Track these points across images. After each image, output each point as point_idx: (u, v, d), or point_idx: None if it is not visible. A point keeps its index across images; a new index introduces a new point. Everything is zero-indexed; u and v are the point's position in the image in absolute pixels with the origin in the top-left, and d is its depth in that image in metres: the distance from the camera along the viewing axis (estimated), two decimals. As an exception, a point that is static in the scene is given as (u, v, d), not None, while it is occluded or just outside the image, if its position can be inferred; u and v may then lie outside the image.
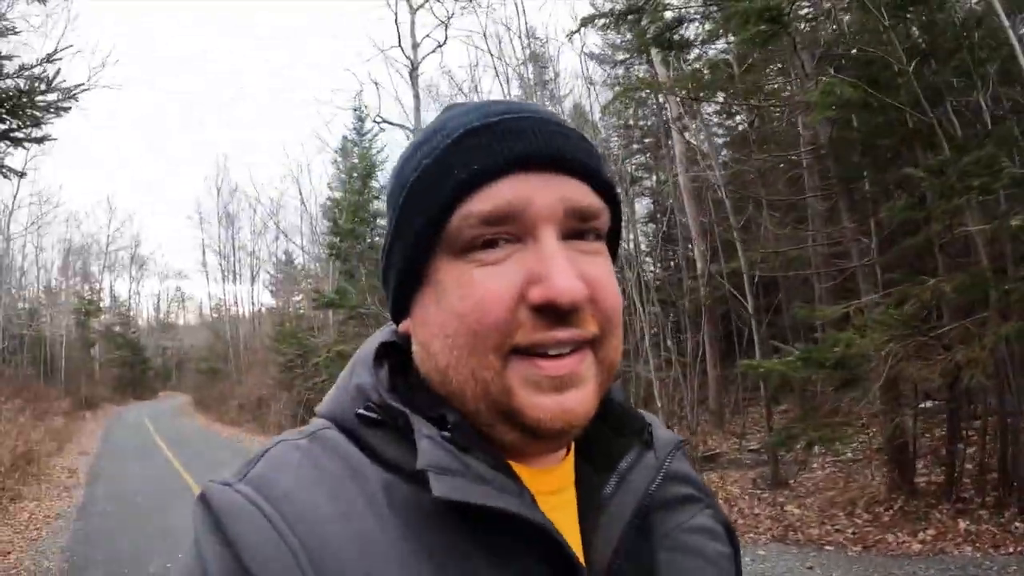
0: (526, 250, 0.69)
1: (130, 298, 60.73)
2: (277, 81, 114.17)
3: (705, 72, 10.86)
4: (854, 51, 7.56)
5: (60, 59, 8.17)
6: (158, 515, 10.81)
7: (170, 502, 11.83)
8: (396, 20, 20.59)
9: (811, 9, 9.20)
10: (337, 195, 21.81)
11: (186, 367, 60.38)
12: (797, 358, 6.55)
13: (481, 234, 0.68)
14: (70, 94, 8.10)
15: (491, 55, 18.11)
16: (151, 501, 12.30)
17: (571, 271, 0.67)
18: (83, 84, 8.17)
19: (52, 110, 8.11)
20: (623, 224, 0.83)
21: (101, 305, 54.01)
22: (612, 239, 0.80)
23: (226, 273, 49.49)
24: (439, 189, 0.70)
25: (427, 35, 18.30)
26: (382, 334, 0.82)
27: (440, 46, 18.38)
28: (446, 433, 0.69)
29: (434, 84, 34.77)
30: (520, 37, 18.97)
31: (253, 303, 48.94)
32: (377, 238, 19.12)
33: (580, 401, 0.70)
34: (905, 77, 6.81)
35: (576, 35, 10.67)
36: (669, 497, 0.83)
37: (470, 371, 0.69)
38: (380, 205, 20.43)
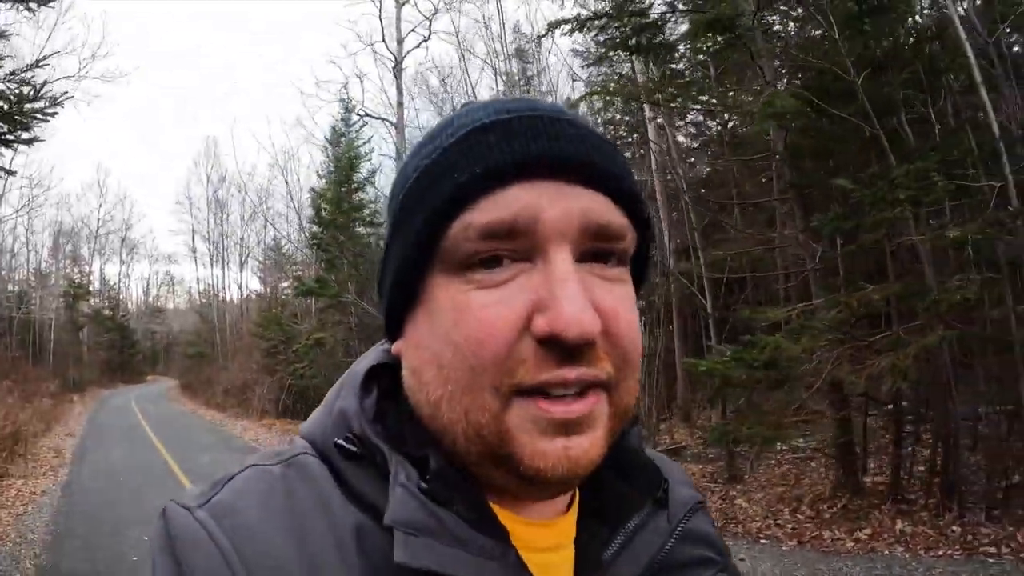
0: (533, 271, 0.60)
1: (119, 282, 60.59)
2: (271, 76, 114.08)
3: (683, 77, 11.10)
4: (806, 61, 7.76)
5: (47, 64, 8.61)
6: (139, 493, 11.22)
7: (151, 481, 12.33)
8: (380, 15, 20.76)
9: (769, 20, 9.43)
10: (322, 184, 22.02)
11: (174, 351, 60.64)
12: (730, 358, 6.80)
13: (480, 249, 0.59)
14: (56, 101, 8.53)
15: (469, 53, 18.27)
16: (133, 480, 12.64)
17: (582, 299, 0.58)
18: (67, 92, 8.70)
19: (39, 116, 8.52)
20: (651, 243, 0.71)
21: (90, 288, 54.09)
22: (638, 265, 0.69)
23: (215, 258, 49.63)
24: (436, 193, 0.61)
25: (412, 29, 18.43)
26: (375, 353, 0.75)
27: (425, 40, 18.55)
28: (423, 484, 0.61)
29: (422, 77, 34.94)
30: (502, 35, 19.09)
31: (241, 289, 49.16)
32: (360, 229, 19.32)
33: (587, 449, 0.61)
34: (856, 88, 7.05)
35: (547, 37, 10.84)
36: (682, 559, 0.73)
37: (463, 410, 0.61)
38: (364, 196, 20.66)
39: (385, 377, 0.71)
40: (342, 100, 21.19)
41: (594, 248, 0.61)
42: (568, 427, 0.59)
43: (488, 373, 0.59)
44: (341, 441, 0.66)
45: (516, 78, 19.44)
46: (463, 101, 0.78)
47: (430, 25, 18.67)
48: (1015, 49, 9.75)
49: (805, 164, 8.88)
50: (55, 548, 8.18)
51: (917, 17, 9.25)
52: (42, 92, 8.43)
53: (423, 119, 25.24)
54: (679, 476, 0.82)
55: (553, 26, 9.69)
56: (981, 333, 6.31)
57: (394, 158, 17.49)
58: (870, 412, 9.17)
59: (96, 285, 56.64)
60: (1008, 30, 8.59)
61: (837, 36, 7.14)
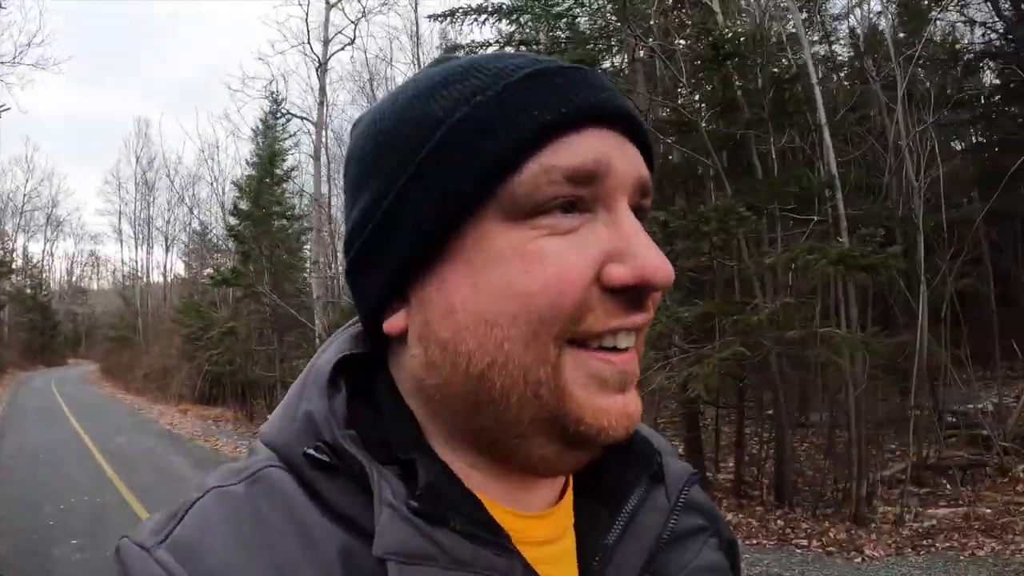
0: (597, 221, 0.57)
1: (43, 260, 59.49)
2: (200, 68, 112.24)
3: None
4: (659, 101, 8.71)
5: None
6: (56, 470, 12.02)
7: (68, 460, 13.22)
8: (307, 19, 21.21)
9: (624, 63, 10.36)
10: (242, 177, 22.40)
11: (96, 334, 59.58)
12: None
13: (562, 194, 0.56)
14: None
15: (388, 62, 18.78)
16: (52, 459, 13.31)
17: (657, 248, 0.57)
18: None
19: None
20: None
21: (13, 266, 52.91)
22: None
23: (140, 241, 49.22)
24: (509, 131, 0.55)
25: (339, 31, 18.94)
26: (339, 343, 0.68)
27: (351, 42, 19.10)
28: (413, 503, 0.55)
29: (356, 72, 35.32)
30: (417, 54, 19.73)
31: (165, 273, 48.84)
32: (280, 222, 19.76)
33: (637, 402, 0.60)
34: (701, 126, 7.99)
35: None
36: (678, 532, 0.70)
37: (522, 370, 0.56)
38: (287, 188, 21.11)
39: (353, 370, 0.65)
40: (271, 94, 21.57)
41: (637, 204, 0.60)
42: (625, 382, 0.58)
43: (558, 323, 0.55)
44: (311, 451, 0.59)
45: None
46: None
47: (355, 29, 19.26)
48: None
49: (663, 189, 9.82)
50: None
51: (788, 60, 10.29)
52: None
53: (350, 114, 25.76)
54: (667, 447, 0.77)
55: (448, 52, 10.45)
56: (764, 351, 7.27)
57: (312, 156, 18.00)
58: (723, 416, 10.20)
59: (19, 263, 55.47)
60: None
61: (684, 80, 8.07)
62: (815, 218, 7.67)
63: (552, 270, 0.55)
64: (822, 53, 11.43)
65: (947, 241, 9.67)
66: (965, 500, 8.51)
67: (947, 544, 7.27)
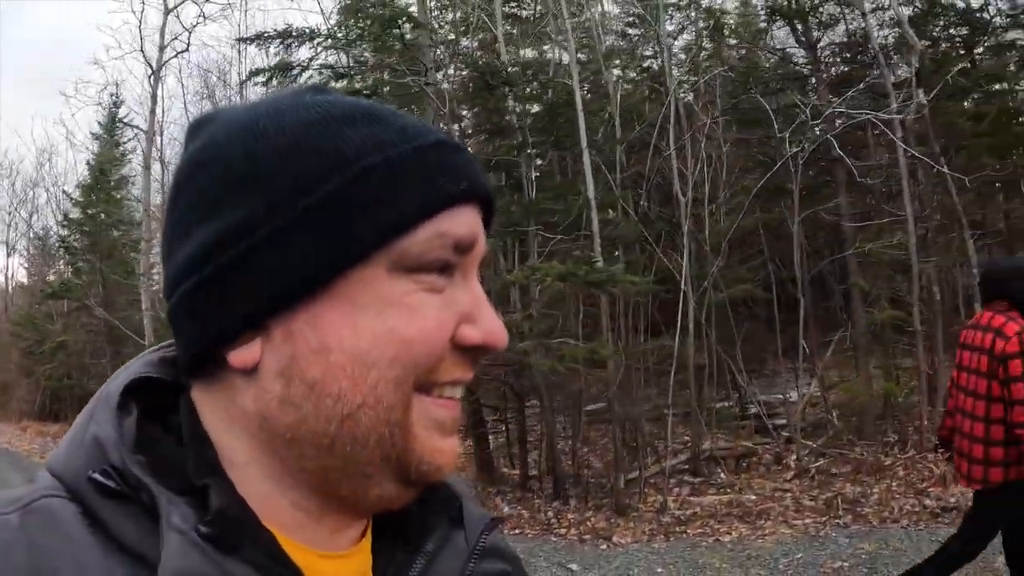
0: (456, 286, 0.62)
1: None
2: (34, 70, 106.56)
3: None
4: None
5: None
6: None
7: None
8: (140, 26, 20.84)
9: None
10: (74, 188, 21.81)
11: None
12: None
13: (444, 258, 0.60)
14: None
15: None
16: None
17: (498, 318, 0.63)
18: None
19: None
20: None
21: None
22: None
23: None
24: (418, 192, 0.59)
25: (175, 37, 18.69)
26: (136, 365, 0.65)
27: (186, 50, 18.92)
28: (204, 528, 0.53)
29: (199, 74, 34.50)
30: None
31: (7, 280, 46.19)
32: (114, 233, 19.34)
33: (460, 448, 0.65)
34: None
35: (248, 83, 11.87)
36: (482, 573, 0.71)
37: (389, 411, 0.59)
38: (122, 196, 20.62)
39: (148, 393, 0.63)
40: (100, 103, 21.05)
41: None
42: (455, 427, 0.64)
43: (421, 370, 0.59)
44: (97, 476, 0.55)
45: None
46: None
47: (189, 37, 19.10)
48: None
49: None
50: None
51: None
52: None
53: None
54: (467, 492, 0.77)
55: (253, 74, 10.72)
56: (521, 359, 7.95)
57: (143, 166, 17.74)
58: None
59: None
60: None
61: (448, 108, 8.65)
62: (580, 234, 8.37)
63: (430, 323, 0.59)
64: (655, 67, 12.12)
65: (725, 250, 10.51)
66: (734, 488, 9.20)
67: (699, 531, 7.93)
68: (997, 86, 13.07)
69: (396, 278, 0.59)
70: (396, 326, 0.58)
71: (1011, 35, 13.96)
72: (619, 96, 10.51)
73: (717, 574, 6.73)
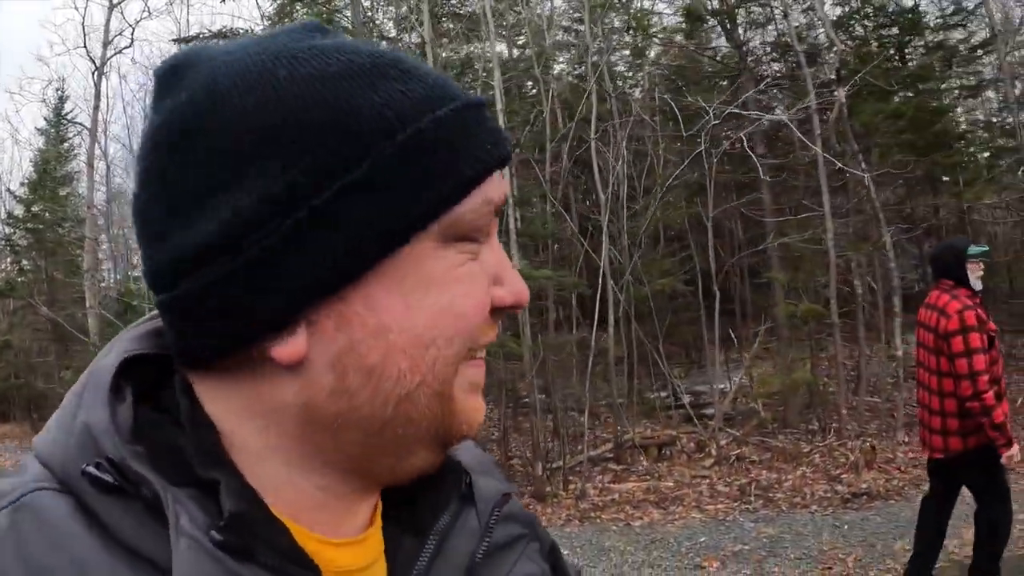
0: (483, 248, 0.58)
1: None
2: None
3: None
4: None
5: None
6: None
7: None
8: (84, 22, 20.70)
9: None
10: (18, 186, 21.62)
11: None
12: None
13: (486, 225, 0.57)
14: None
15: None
16: None
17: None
18: None
19: None
20: None
21: None
22: None
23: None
24: (470, 159, 0.55)
25: (119, 33, 18.59)
26: (125, 342, 0.59)
27: (130, 45, 18.84)
28: (217, 534, 0.49)
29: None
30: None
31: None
32: (62, 230, 19.23)
33: None
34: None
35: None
36: (493, 546, 0.68)
37: (442, 385, 0.56)
38: (69, 192, 20.45)
39: (142, 373, 0.57)
40: (43, 100, 20.89)
41: None
42: (482, 384, 0.62)
43: (471, 340, 0.57)
44: (91, 469, 0.49)
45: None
46: None
47: (133, 32, 19.03)
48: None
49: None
50: None
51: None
52: None
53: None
54: (482, 464, 0.73)
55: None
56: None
57: (87, 163, 17.65)
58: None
59: None
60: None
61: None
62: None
63: (479, 293, 0.57)
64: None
65: (642, 244, 10.75)
66: (654, 475, 9.47)
67: (614, 516, 8.20)
68: (922, 86, 13.48)
69: (443, 249, 0.55)
70: (452, 301, 0.55)
71: (940, 36, 14.44)
72: (551, 94, 10.71)
73: (620, 556, 6.95)
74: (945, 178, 15.47)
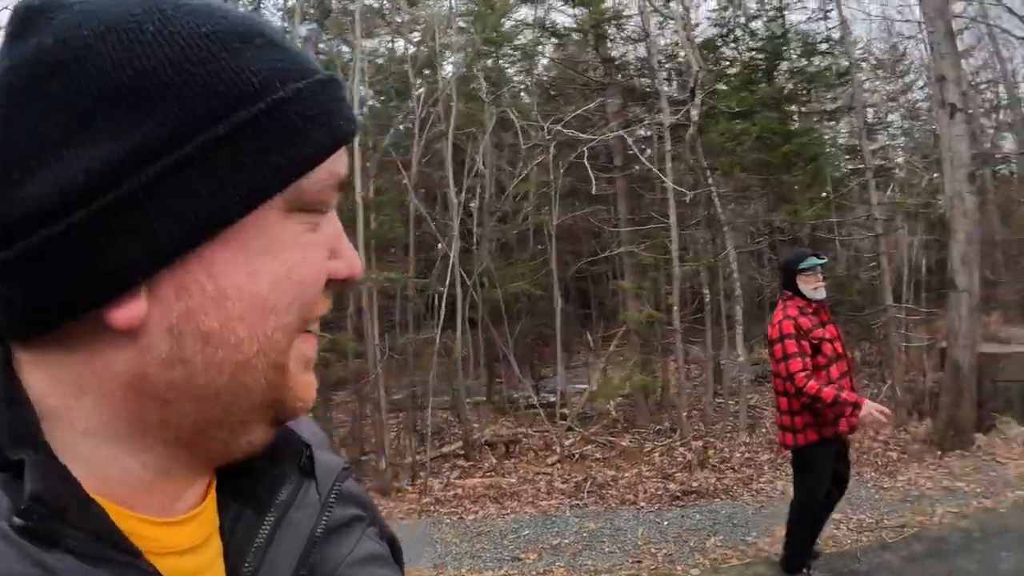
0: (322, 221, 0.58)
1: None
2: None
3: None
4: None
5: None
6: None
7: None
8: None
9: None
10: None
11: None
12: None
13: (330, 198, 0.58)
14: None
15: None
16: None
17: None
18: None
19: None
20: None
21: None
22: None
23: None
24: (324, 132, 0.55)
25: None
26: None
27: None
28: (19, 520, 0.47)
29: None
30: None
31: None
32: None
33: None
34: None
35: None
36: (332, 524, 0.67)
37: (278, 355, 0.56)
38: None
39: None
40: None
41: None
42: (314, 360, 0.61)
43: (307, 309, 0.57)
44: None
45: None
46: None
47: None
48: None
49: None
50: None
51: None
52: None
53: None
54: (317, 438, 0.73)
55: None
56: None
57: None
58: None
59: None
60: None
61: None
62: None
63: (318, 262, 0.57)
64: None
65: (494, 250, 11.05)
66: (499, 472, 9.77)
67: (452, 510, 8.45)
68: (788, 108, 14.20)
69: (287, 218, 0.54)
70: (293, 269, 0.55)
71: (804, 63, 15.23)
72: (420, 95, 10.90)
73: (445, 547, 7.20)
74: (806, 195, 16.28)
